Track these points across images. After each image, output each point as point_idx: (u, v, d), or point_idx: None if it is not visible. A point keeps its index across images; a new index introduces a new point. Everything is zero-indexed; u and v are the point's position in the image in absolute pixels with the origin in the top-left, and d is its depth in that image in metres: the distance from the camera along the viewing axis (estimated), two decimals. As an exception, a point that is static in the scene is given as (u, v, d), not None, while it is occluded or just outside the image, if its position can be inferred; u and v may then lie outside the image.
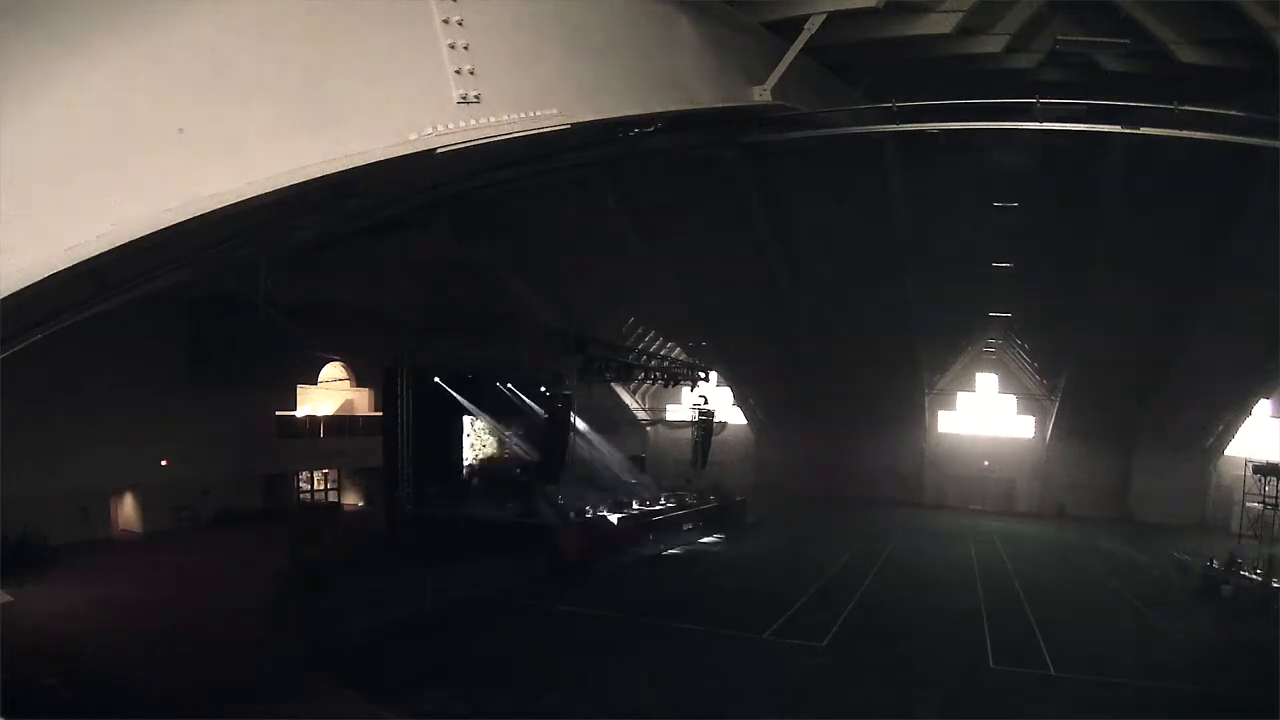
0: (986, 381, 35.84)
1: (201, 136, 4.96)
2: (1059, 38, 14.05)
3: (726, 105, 11.02)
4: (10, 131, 4.49)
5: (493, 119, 6.15)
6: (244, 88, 5.14)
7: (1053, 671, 13.20)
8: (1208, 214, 20.87)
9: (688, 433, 30.57)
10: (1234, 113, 13.24)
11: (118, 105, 4.76)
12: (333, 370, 30.06)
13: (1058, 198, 22.11)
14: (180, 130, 4.87)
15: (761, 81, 11.29)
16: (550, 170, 13.14)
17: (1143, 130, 13.95)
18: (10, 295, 4.50)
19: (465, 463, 26.82)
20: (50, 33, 4.54)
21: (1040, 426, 34.51)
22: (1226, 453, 30.34)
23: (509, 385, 26.26)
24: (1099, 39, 13.67)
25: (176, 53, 4.90)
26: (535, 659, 13.22)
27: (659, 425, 35.47)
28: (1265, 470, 22.62)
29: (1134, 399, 30.01)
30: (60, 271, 4.61)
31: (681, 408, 33.78)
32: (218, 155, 5.02)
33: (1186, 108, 13.30)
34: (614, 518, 23.02)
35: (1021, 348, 33.96)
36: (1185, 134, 13.36)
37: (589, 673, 12.59)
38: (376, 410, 29.09)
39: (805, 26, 11.12)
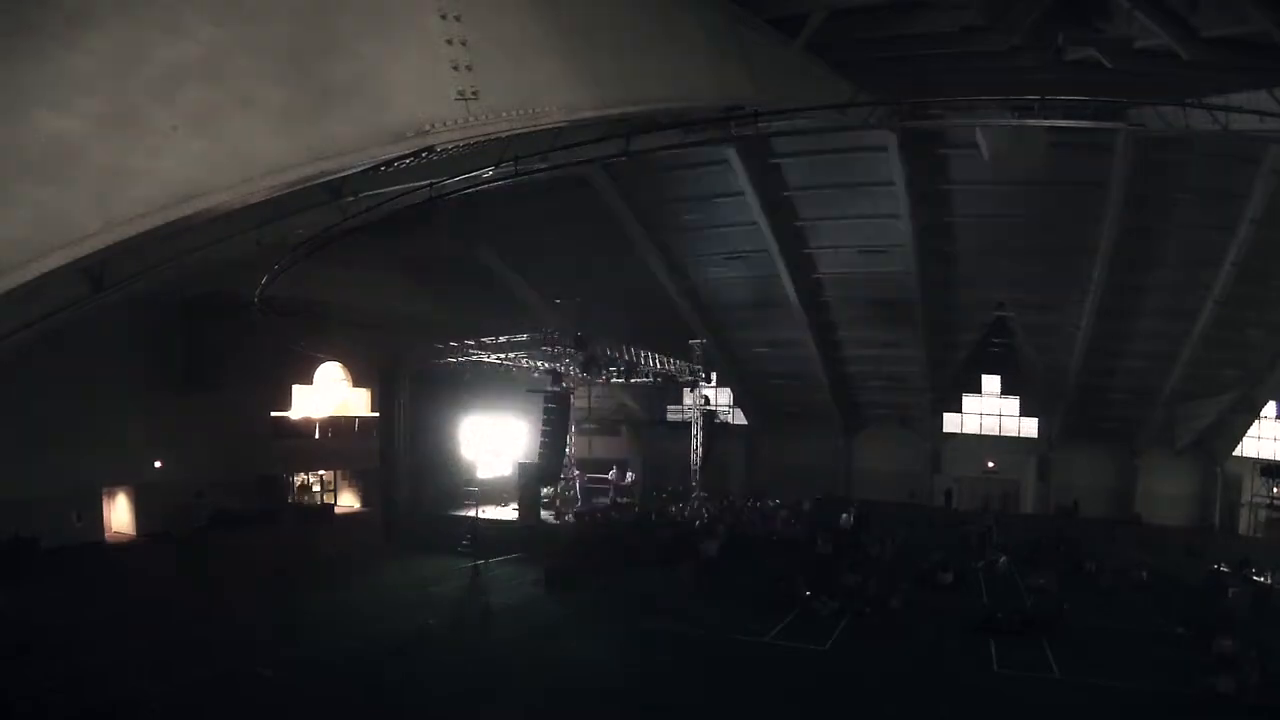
0: (991, 382, 35.67)
1: (196, 134, 4.89)
2: (1063, 35, 13.92)
3: (728, 102, 10.93)
4: (6, 128, 4.42)
5: (491, 115, 6.07)
6: (239, 86, 5.07)
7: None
8: (1213, 211, 20.80)
9: (689, 433, 30.43)
10: (1240, 109, 13.12)
11: (113, 103, 4.68)
12: (330, 371, 29.91)
13: (1060, 196, 22.04)
14: (174, 128, 4.80)
15: (763, 79, 11.19)
16: (549, 167, 13.04)
17: (1147, 128, 13.83)
18: (4, 293, 4.43)
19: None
20: (47, 30, 4.47)
21: (1045, 427, 34.33)
22: (1234, 454, 30.17)
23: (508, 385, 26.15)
24: (1104, 36, 13.54)
25: (171, 50, 4.82)
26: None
27: (660, 426, 35.35)
28: (1272, 471, 22.46)
29: (1139, 399, 29.89)
30: (54, 270, 4.54)
31: (682, 408, 33.73)
32: (213, 153, 4.95)
33: (1193, 104, 13.17)
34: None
35: (1025, 347, 33.76)
36: (1189, 130, 13.22)
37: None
38: (374, 411, 28.96)
39: (807, 23, 11.03)
